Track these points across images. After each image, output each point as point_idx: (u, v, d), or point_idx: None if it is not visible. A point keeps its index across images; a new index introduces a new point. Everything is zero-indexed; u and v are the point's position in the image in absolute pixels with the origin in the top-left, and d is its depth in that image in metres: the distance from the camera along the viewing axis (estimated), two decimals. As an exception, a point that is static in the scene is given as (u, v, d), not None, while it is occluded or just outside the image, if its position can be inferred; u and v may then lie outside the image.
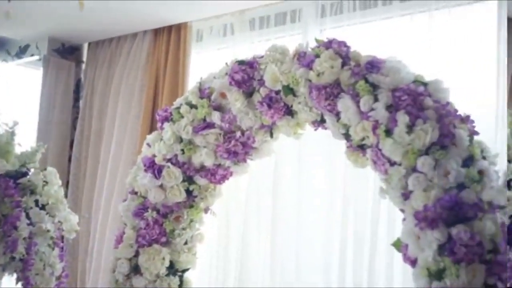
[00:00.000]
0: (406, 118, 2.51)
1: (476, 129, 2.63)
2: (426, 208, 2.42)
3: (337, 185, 3.28)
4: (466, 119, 2.62)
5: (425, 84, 2.67)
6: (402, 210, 2.63)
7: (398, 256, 2.68)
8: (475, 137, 2.60)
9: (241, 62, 3.17)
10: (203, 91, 3.31)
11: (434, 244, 2.40)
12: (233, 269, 3.61)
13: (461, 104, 2.68)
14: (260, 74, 3.10)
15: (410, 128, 2.51)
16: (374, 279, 3.08)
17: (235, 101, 3.14)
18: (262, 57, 3.14)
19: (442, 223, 2.40)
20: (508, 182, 1.49)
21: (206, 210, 3.50)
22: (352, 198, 3.22)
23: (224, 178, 3.41)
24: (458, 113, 2.61)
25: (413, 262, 2.54)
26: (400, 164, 2.56)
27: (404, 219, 2.61)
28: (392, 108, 2.59)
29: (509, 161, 1.52)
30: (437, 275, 2.39)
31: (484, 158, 2.57)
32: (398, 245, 2.65)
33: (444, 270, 2.38)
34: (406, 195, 2.56)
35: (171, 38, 4.56)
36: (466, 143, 2.52)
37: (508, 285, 1.38)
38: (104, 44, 5.16)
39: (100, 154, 4.87)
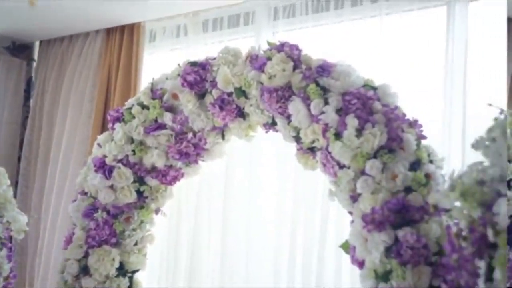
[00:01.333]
0: (355, 122, 2.53)
1: (424, 133, 2.67)
2: (373, 210, 2.44)
3: (287, 188, 3.29)
4: (414, 124, 2.66)
5: (374, 89, 2.70)
6: (351, 213, 2.65)
7: (347, 258, 2.69)
8: (423, 141, 2.64)
9: (193, 64, 3.16)
10: (155, 92, 3.29)
11: (381, 246, 2.43)
12: (183, 270, 3.59)
13: (411, 108, 2.72)
14: (212, 76, 3.09)
15: (359, 131, 2.53)
16: (323, 280, 3.09)
17: (187, 102, 3.12)
18: (214, 59, 3.13)
19: (389, 226, 2.43)
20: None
21: (157, 211, 3.47)
22: (302, 200, 3.23)
23: (175, 179, 3.39)
24: (406, 118, 2.64)
25: (361, 264, 2.57)
26: (349, 167, 2.58)
27: (352, 221, 2.63)
28: (342, 111, 2.61)
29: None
30: (384, 276, 2.42)
31: (431, 162, 2.62)
32: (346, 247, 2.67)
33: (391, 272, 2.41)
34: (354, 198, 2.58)
35: (123, 38, 4.51)
36: (413, 147, 2.56)
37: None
38: (56, 43, 5.09)
39: (50, 154, 4.79)
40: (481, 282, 1.47)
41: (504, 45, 2.95)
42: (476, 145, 1.60)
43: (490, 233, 1.43)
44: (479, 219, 1.49)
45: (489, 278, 1.46)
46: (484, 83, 2.98)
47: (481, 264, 1.49)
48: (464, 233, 1.56)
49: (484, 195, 1.48)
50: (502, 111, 1.66)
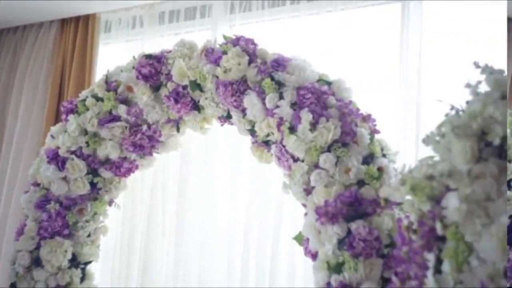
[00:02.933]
0: (310, 116, 2.54)
1: (378, 127, 2.70)
2: (327, 203, 2.47)
3: (242, 180, 3.30)
4: (367, 118, 2.69)
5: (329, 83, 2.72)
6: (304, 205, 2.67)
7: (300, 249, 2.71)
8: (376, 135, 2.68)
9: (148, 56, 3.14)
10: (109, 84, 3.26)
11: (334, 239, 2.45)
12: (136, 262, 3.57)
13: (365, 102, 2.75)
14: (167, 69, 3.08)
15: (313, 125, 2.55)
16: (277, 273, 3.11)
17: (142, 94, 3.11)
18: (170, 51, 3.12)
19: (342, 218, 2.46)
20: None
21: (110, 202, 3.45)
22: (256, 193, 3.24)
23: (129, 171, 3.37)
24: (360, 112, 2.67)
25: (314, 256, 2.59)
26: (303, 161, 2.60)
27: (306, 214, 2.65)
28: (296, 105, 2.63)
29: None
30: (336, 268, 2.45)
31: (384, 155, 2.65)
32: (299, 239, 2.69)
33: (343, 264, 2.43)
34: (308, 191, 2.60)
35: (78, 29, 4.44)
36: (367, 141, 2.59)
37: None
38: (9, 33, 4.98)
39: (2, 145, 4.70)
40: (429, 274, 1.49)
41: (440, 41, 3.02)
42: (426, 141, 1.63)
43: (438, 226, 1.46)
44: (428, 212, 1.51)
45: (437, 270, 1.49)
46: (439, 80, 3.01)
47: (430, 257, 1.51)
48: (414, 226, 1.58)
49: (434, 189, 1.51)
50: (452, 107, 1.69)
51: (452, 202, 1.40)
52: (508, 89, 1.68)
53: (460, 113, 1.62)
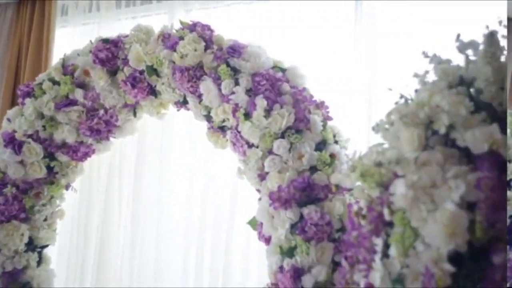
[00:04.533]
0: (264, 103, 2.55)
1: (331, 114, 2.72)
2: (280, 188, 2.48)
3: (197, 165, 3.29)
4: (321, 105, 2.70)
5: (283, 70, 2.72)
6: (258, 190, 2.68)
7: (254, 234, 2.72)
8: (329, 122, 2.69)
9: (105, 41, 3.10)
10: (66, 68, 3.22)
11: (286, 223, 2.47)
12: (93, 245, 3.54)
13: (319, 89, 2.77)
14: (124, 53, 3.05)
15: (268, 112, 2.56)
16: (231, 257, 3.11)
17: (99, 79, 3.08)
18: (126, 36, 3.09)
19: (295, 203, 2.47)
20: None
21: (67, 186, 3.42)
22: (211, 178, 3.23)
23: (86, 155, 3.34)
24: (313, 99, 2.68)
25: (267, 240, 2.61)
26: (257, 146, 2.60)
27: (259, 199, 2.66)
28: (251, 92, 2.63)
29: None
30: (289, 252, 2.47)
31: (336, 142, 2.67)
32: (253, 223, 2.69)
33: (296, 248, 2.45)
34: (262, 176, 2.61)
35: (35, 12, 4.36)
36: (319, 128, 2.60)
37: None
38: (-36, 14, 4.89)
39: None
40: (377, 258, 1.51)
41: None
42: (376, 128, 1.64)
43: (386, 212, 1.48)
44: (377, 198, 1.53)
45: (385, 254, 1.51)
46: (391, 68, 3.03)
47: (378, 241, 1.53)
48: (363, 212, 1.60)
49: (382, 176, 1.52)
50: (401, 96, 1.71)
51: (399, 188, 1.42)
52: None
53: (409, 102, 1.64)
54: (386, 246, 1.51)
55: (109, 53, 3.06)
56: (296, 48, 3.23)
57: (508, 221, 1.48)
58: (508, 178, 1.48)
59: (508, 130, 1.61)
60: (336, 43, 3.22)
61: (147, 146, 3.44)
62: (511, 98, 2.33)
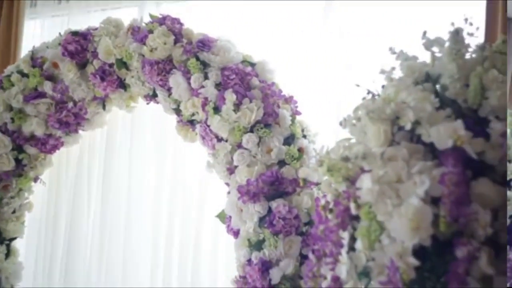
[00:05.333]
0: (234, 97, 2.55)
1: (299, 109, 2.73)
2: (249, 182, 2.48)
3: (167, 158, 3.27)
4: (289, 99, 2.71)
5: (252, 64, 2.73)
6: (227, 184, 2.68)
7: (223, 227, 2.72)
8: (298, 117, 2.71)
9: (74, 33, 3.08)
10: (35, 60, 3.19)
11: (255, 217, 2.48)
12: (62, 238, 3.50)
13: (288, 84, 2.78)
14: (94, 46, 3.03)
15: (237, 106, 2.56)
16: (200, 249, 3.11)
17: (68, 71, 3.05)
18: (96, 29, 3.06)
19: (263, 197, 2.48)
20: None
21: (35, 179, 3.39)
22: (181, 171, 3.22)
23: (55, 148, 3.31)
24: (282, 93, 2.69)
25: (236, 233, 2.61)
26: (226, 140, 2.60)
27: (228, 192, 2.66)
28: (221, 86, 2.63)
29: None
30: (257, 245, 2.48)
31: (304, 136, 2.68)
32: (222, 217, 2.70)
33: (264, 241, 2.46)
34: (231, 170, 2.61)
35: (3, 3, 4.30)
36: (288, 122, 2.62)
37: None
38: None
39: None
40: (344, 252, 1.52)
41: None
42: (343, 123, 1.65)
43: (352, 206, 1.49)
44: (343, 193, 1.54)
45: (351, 247, 1.52)
46: (360, 63, 3.04)
47: (345, 235, 1.54)
48: (330, 206, 1.60)
49: (349, 170, 1.53)
50: (369, 92, 1.72)
51: (365, 183, 1.43)
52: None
53: (376, 98, 1.65)
54: (353, 239, 1.52)
55: (79, 46, 3.04)
56: (266, 43, 3.22)
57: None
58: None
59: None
60: (305, 39, 3.22)
61: (116, 139, 3.41)
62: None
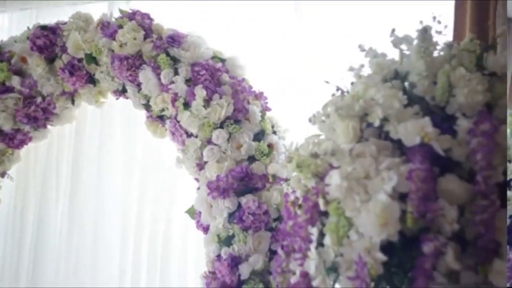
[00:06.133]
0: (204, 92, 2.54)
1: (269, 105, 2.74)
2: (218, 178, 2.48)
3: (136, 154, 3.25)
4: (259, 96, 2.71)
5: (223, 60, 2.72)
6: (197, 180, 2.67)
7: (193, 223, 2.72)
8: (268, 113, 2.71)
9: (43, 28, 3.04)
10: (3, 55, 3.15)
11: (224, 212, 2.48)
12: (29, 234, 3.46)
13: (259, 80, 2.78)
14: (62, 41, 3.00)
15: (207, 102, 2.55)
16: (170, 245, 3.09)
17: (36, 66, 3.02)
18: (65, 23, 3.03)
19: (233, 193, 2.48)
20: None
21: (3, 174, 3.35)
22: (150, 167, 3.20)
23: (22, 143, 3.27)
24: (252, 90, 2.69)
25: (205, 229, 2.61)
26: (196, 136, 2.60)
27: (198, 188, 2.65)
28: (191, 82, 2.62)
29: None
30: (227, 241, 2.48)
31: (274, 132, 2.69)
32: (192, 212, 2.69)
33: (233, 237, 2.46)
34: (201, 166, 2.61)
35: (-30, -4, 4.25)
36: (258, 118, 2.62)
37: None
38: None
39: None
40: (313, 247, 1.53)
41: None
42: (312, 120, 1.65)
43: (321, 202, 1.49)
44: (312, 189, 1.54)
45: (320, 243, 1.52)
46: (330, 60, 3.04)
47: (314, 231, 1.54)
48: (299, 202, 1.61)
49: (318, 166, 1.53)
50: (338, 88, 1.72)
51: (334, 179, 1.43)
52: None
53: (345, 94, 1.66)
54: (321, 235, 1.52)
55: (47, 40, 3.01)
56: (236, 40, 3.21)
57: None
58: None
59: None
60: (276, 36, 3.22)
61: (85, 134, 3.37)
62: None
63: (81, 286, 3.27)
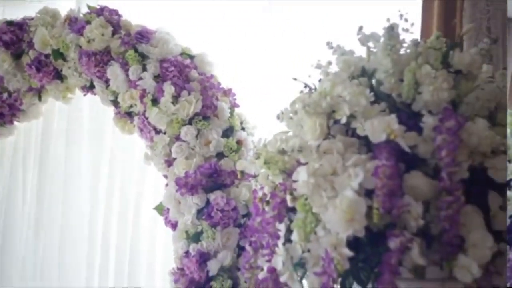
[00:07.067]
0: (172, 89, 2.53)
1: (238, 101, 2.73)
2: (187, 174, 2.47)
3: (104, 151, 3.22)
4: (228, 92, 2.71)
5: (191, 57, 2.71)
6: (166, 176, 2.66)
7: (161, 219, 2.71)
8: (236, 109, 2.71)
9: (10, 23, 2.99)
10: (-31, 50, 3.09)
11: (193, 209, 2.47)
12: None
13: (228, 76, 2.77)
14: (29, 36, 2.95)
15: (176, 98, 2.54)
16: (138, 242, 3.08)
17: (3, 62, 2.97)
18: (32, 19, 2.99)
19: (202, 189, 2.48)
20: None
21: (-32, 171, 3.30)
22: (118, 163, 3.18)
23: (-12, 139, 3.23)
24: (221, 86, 2.69)
25: (174, 225, 2.60)
26: (165, 133, 2.58)
27: (167, 185, 2.64)
28: (159, 78, 2.60)
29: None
30: (195, 237, 2.47)
31: (243, 129, 2.69)
32: (160, 209, 2.68)
33: (202, 233, 2.46)
34: (169, 162, 2.60)
35: None
36: (227, 115, 2.61)
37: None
38: None
39: None
40: (280, 243, 1.53)
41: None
42: (280, 117, 1.66)
43: (289, 198, 1.50)
44: (280, 185, 1.54)
45: (288, 239, 1.53)
46: (298, 57, 3.05)
47: (281, 227, 1.55)
48: (267, 198, 1.61)
49: (285, 163, 1.54)
50: (306, 85, 1.73)
51: (301, 175, 1.43)
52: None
53: (313, 91, 1.66)
54: (289, 231, 1.52)
55: (14, 36, 2.96)
56: (204, 37, 3.20)
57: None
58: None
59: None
60: (244, 33, 3.22)
61: (53, 130, 3.33)
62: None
63: (48, 283, 3.23)
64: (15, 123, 3.21)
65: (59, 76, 2.95)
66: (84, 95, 2.98)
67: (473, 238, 1.31)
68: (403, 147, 1.36)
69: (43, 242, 3.31)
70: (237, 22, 3.21)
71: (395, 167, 1.32)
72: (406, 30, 1.59)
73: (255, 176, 2.45)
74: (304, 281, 1.48)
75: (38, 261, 3.30)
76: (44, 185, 3.32)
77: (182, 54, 2.69)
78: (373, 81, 1.62)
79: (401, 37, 1.59)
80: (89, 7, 2.85)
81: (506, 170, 1.40)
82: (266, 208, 1.60)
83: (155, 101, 2.57)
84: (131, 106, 2.70)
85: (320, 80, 1.70)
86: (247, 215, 2.48)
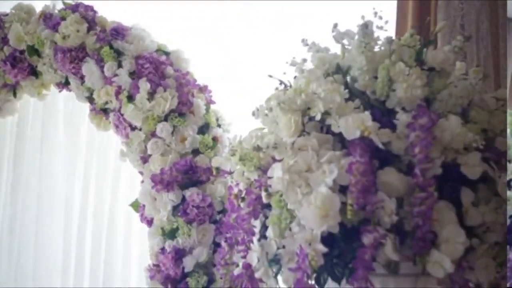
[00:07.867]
0: (148, 86, 2.51)
1: (214, 98, 2.73)
2: (162, 171, 2.46)
3: (79, 147, 3.19)
4: (204, 89, 2.70)
5: (167, 53, 2.70)
6: (141, 173, 2.65)
7: (137, 216, 2.69)
8: (212, 106, 2.70)
9: (-16, 19, 2.96)
10: None
11: (169, 205, 2.46)
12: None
13: (203, 74, 2.76)
14: (4, 33, 2.91)
15: (151, 95, 2.52)
16: (113, 238, 3.06)
17: (-24, 58, 2.94)
18: (7, 15, 2.95)
19: (177, 186, 2.47)
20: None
21: None
22: (94, 160, 3.15)
23: (-37, 136, 3.19)
24: (196, 83, 2.68)
25: (149, 222, 2.58)
26: (140, 129, 2.56)
27: (142, 181, 2.63)
28: (135, 75, 2.58)
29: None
30: (171, 234, 2.46)
31: (219, 126, 2.68)
32: (136, 205, 2.66)
33: (177, 230, 2.45)
34: (145, 159, 2.58)
35: None
36: (202, 111, 2.60)
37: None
38: None
39: None
40: (255, 239, 1.53)
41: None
42: (256, 113, 1.66)
43: (264, 195, 1.50)
44: (255, 182, 1.54)
45: (263, 235, 1.53)
46: (273, 54, 3.05)
47: (256, 223, 1.55)
48: (242, 195, 1.61)
49: (261, 160, 1.54)
50: (281, 82, 1.73)
51: (276, 172, 1.43)
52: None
53: (288, 88, 1.66)
54: (264, 227, 1.53)
55: (-12, 32, 2.93)
56: (181, 33, 3.19)
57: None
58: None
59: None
60: (220, 30, 3.21)
61: (28, 127, 3.30)
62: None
63: (22, 284, 3.20)
64: (-10, 120, 3.17)
65: (34, 72, 2.91)
66: (60, 91, 2.95)
67: (445, 233, 1.32)
68: (377, 144, 1.36)
69: (18, 240, 3.28)
70: (213, 18, 3.21)
71: (369, 164, 1.33)
72: (381, 28, 1.60)
73: (230, 173, 2.44)
74: (279, 277, 1.48)
75: (13, 262, 3.26)
76: (19, 182, 3.28)
77: (157, 50, 2.67)
78: (348, 78, 1.62)
79: (376, 35, 1.60)
80: (64, 3, 2.81)
81: (479, 166, 1.41)
82: (242, 205, 1.60)
83: (130, 98, 2.54)
84: (106, 103, 2.68)
85: (295, 77, 1.70)
86: (223, 211, 2.48)
